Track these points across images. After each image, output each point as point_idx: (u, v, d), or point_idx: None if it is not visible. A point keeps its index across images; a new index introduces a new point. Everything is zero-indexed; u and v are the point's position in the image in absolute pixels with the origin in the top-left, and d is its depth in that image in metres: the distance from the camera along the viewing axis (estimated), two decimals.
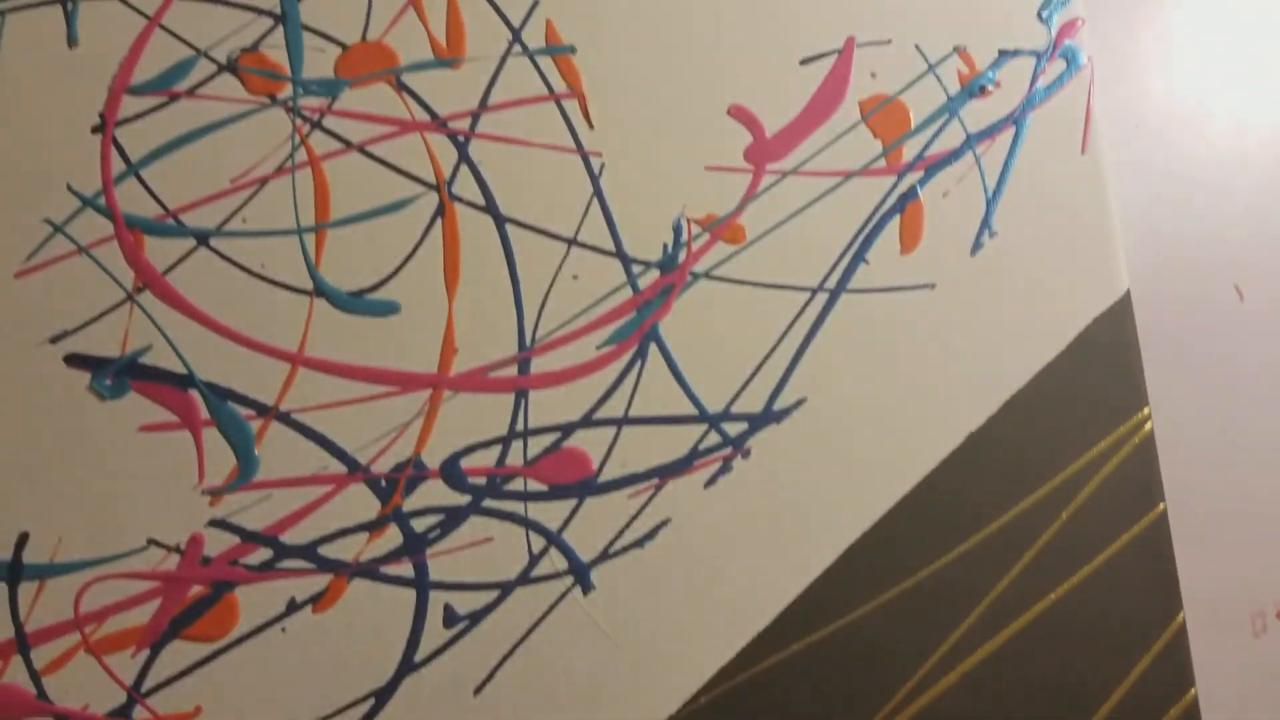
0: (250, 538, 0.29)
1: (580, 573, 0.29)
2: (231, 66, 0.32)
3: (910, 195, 0.32)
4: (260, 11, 0.33)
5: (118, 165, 0.31)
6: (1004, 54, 0.33)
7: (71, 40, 0.32)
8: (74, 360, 0.30)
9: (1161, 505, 0.30)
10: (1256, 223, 0.33)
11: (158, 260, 0.31)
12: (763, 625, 0.29)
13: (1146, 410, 0.31)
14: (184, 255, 0.31)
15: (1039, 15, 0.34)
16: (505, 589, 0.29)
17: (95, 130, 0.31)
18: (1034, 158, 0.32)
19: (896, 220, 0.32)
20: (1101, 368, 0.31)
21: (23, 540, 0.28)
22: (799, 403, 0.30)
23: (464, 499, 0.29)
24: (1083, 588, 0.30)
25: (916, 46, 0.33)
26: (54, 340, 0.30)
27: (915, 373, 0.30)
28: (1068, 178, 0.32)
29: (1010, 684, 0.29)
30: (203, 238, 0.31)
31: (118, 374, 0.29)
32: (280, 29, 0.33)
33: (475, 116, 0.32)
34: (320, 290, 0.30)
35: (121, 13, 0.32)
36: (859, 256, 0.31)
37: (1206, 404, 0.32)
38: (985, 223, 0.32)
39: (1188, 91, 0.35)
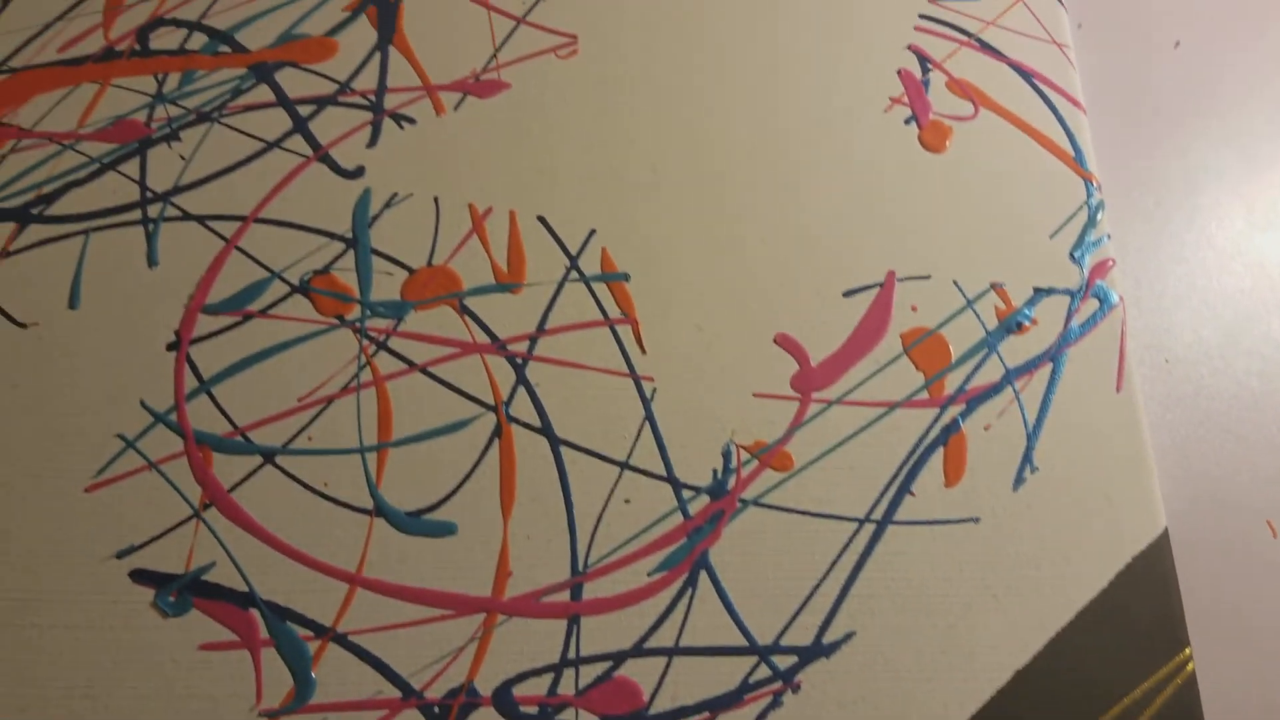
0: None
1: None
2: (304, 288, 0.35)
3: (953, 428, 0.34)
4: (333, 236, 0.35)
5: (190, 382, 0.33)
6: (1039, 292, 0.36)
7: (151, 261, 0.35)
8: (139, 576, 0.31)
9: (1188, 653, 0.31)
10: None
11: (224, 477, 0.32)
12: None
13: (1188, 651, 0.32)
14: (250, 472, 0.33)
15: (1071, 255, 0.37)
16: None
17: (170, 347, 0.34)
18: (1071, 394, 0.35)
19: (940, 452, 0.34)
20: (1142, 606, 0.32)
21: None
22: (848, 636, 0.32)
23: None
24: None
25: (955, 282, 0.36)
26: (120, 555, 0.31)
27: (961, 607, 0.32)
28: (1104, 415, 0.34)
29: None
30: (269, 455, 0.33)
31: (181, 591, 0.31)
32: (351, 253, 0.35)
33: (533, 340, 0.35)
34: (380, 510, 0.32)
35: (202, 236, 0.35)
36: (904, 488, 0.33)
37: (1245, 644, 0.33)
38: (1026, 458, 0.34)
39: (1214, 327, 0.38)
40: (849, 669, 0.31)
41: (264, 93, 0.37)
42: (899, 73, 0.39)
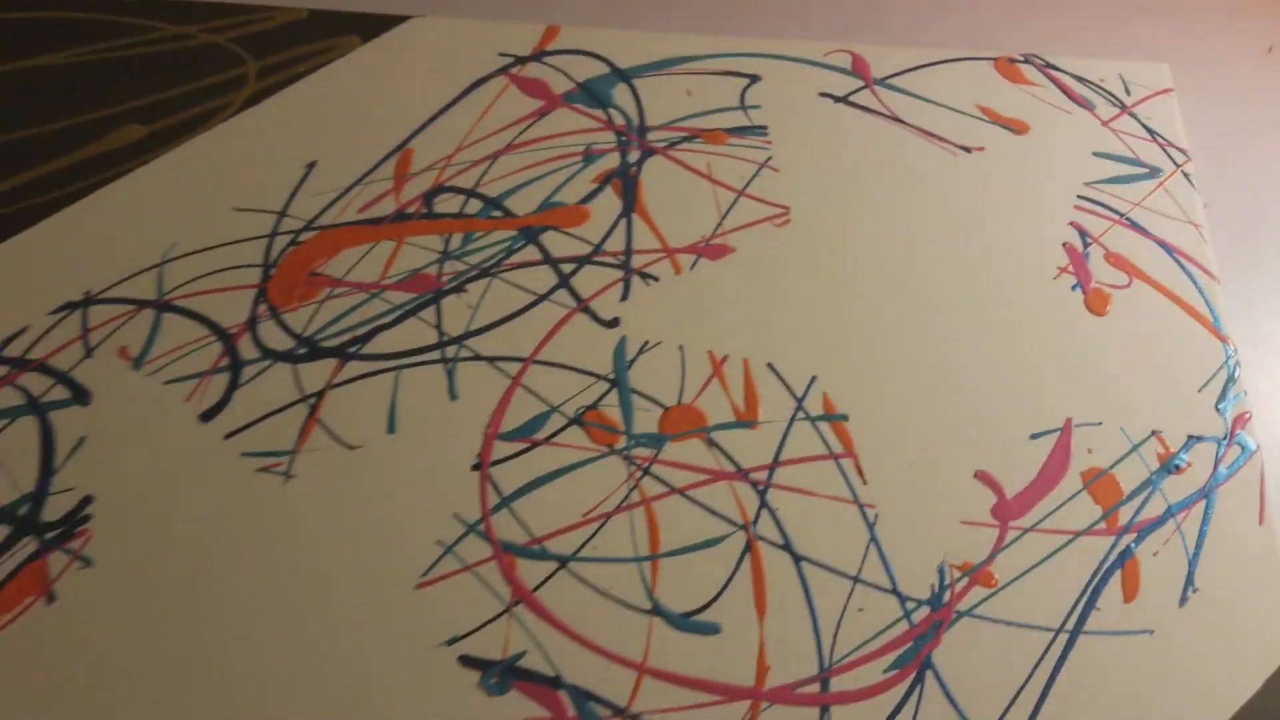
0: None
1: None
2: (578, 420, 0.45)
3: (1127, 554, 0.44)
4: (598, 376, 0.46)
5: (492, 498, 0.44)
6: (1192, 438, 0.47)
7: (452, 395, 0.45)
8: (467, 661, 0.41)
9: None
10: None
11: (528, 578, 0.42)
12: None
13: None
14: (548, 576, 0.43)
15: (1216, 408, 0.47)
16: None
17: (474, 468, 0.44)
18: (1223, 526, 0.45)
19: (1118, 574, 0.44)
20: None
21: None
22: None
23: None
24: None
25: (1121, 429, 0.47)
26: (449, 643, 0.41)
27: (1141, 709, 0.42)
28: (1250, 543, 0.45)
29: None
30: (563, 561, 0.43)
31: (501, 674, 0.41)
32: (614, 391, 0.46)
33: (771, 470, 0.45)
34: (657, 610, 0.42)
35: (491, 374, 0.45)
36: (1090, 604, 0.43)
37: None
38: (1189, 580, 0.44)
39: None
40: None
41: (531, 252, 0.48)
42: (1064, 245, 0.50)
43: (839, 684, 0.40)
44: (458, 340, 0.45)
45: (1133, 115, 0.52)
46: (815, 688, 0.40)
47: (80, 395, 0.42)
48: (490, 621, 0.40)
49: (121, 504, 0.41)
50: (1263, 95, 0.54)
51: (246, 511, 0.41)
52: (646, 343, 0.45)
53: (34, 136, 0.46)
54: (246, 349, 0.43)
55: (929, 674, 0.41)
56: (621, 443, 0.43)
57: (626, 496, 0.42)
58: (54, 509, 0.41)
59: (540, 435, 0.43)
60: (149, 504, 0.41)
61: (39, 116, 0.47)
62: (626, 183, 0.48)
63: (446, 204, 0.47)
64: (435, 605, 0.40)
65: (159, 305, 0.44)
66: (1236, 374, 0.46)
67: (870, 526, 0.43)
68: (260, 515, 0.41)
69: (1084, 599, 0.42)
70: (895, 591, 0.42)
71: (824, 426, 0.44)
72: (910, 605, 0.42)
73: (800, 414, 0.44)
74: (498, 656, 0.40)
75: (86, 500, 0.41)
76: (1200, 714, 0.41)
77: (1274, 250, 0.51)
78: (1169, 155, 0.51)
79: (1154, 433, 0.45)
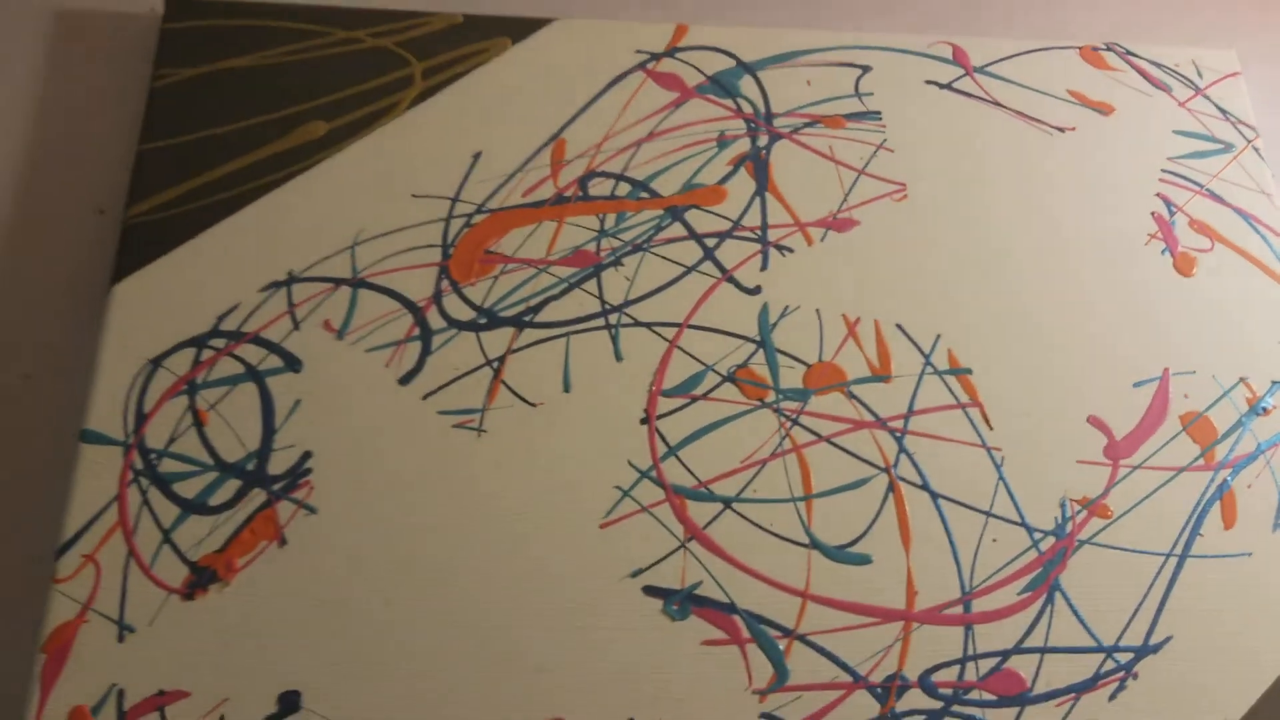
0: None
1: None
2: (731, 378, 0.50)
3: (1225, 486, 0.49)
4: (745, 338, 0.50)
5: (660, 447, 0.48)
6: (1275, 383, 0.51)
7: (618, 356, 0.50)
8: (650, 590, 0.46)
9: None
10: None
11: (697, 518, 0.47)
12: None
13: None
14: (715, 515, 0.47)
15: None
16: None
17: (642, 422, 0.49)
18: None
19: (1218, 505, 0.49)
20: None
21: None
22: (1168, 639, 0.46)
23: (938, 704, 0.45)
24: None
25: (1213, 376, 0.51)
26: (633, 575, 0.46)
27: (1247, 625, 0.46)
28: None
29: None
30: (728, 503, 0.47)
31: (681, 602, 0.45)
32: (760, 351, 0.50)
33: (906, 418, 0.49)
34: (814, 544, 0.47)
35: (650, 337, 0.50)
36: (1195, 531, 0.48)
37: None
38: None
39: None
40: (1173, 662, 0.45)
41: (678, 229, 0.52)
42: (1153, 214, 0.54)
43: (979, 605, 0.45)
44: (618, 309, 0.49)
45: (1206, 96, 0.56)
46: (959, 609, 0.45)
47: (292, 363, 0.47)
48: (668, 556, 0.45)
49: (337, 458, 0.45)
50: None
51: (446, 463, 0.45)
52: (786, 308, 0.50)
53: (229, 132, 0.51)
54: (434, 320, 0.48)
55: (1057, 595, 0.45)
56: (771, 397, 0.48)
57: (779, 444, 0.47)
58: (278, 464, 0.45)
59: (698, 391, 0.48)
60: (361, 457, 0.45)
61: (234, 111, 0.51)
62: (758, 165, 0.53)
63: (599, 187, 0.52)
64: (618, 542, 0.45)
65: (354, 283, 0.48)
66: None
67: (998, 467, 0.47)
68: (458, 466, 0.45)
69: (1189, 527, 0.47)
70: (1023, 524, 0.46)
71: (950, 380, 0.49)
72: (1037, 536, 0.46)
73: (929, 369, 0.49)
74: (677, 586, 0.44)
75: (306, 455, 0.45)
76: None
77: None
78: (1240, 132, 0.56)
79: (1241, 379, 0.49)
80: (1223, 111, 0.56)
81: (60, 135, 0.52)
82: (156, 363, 0.46)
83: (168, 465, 0.44)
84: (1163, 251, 0.52)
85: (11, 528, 0.44)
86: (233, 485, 0.44)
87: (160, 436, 0.44)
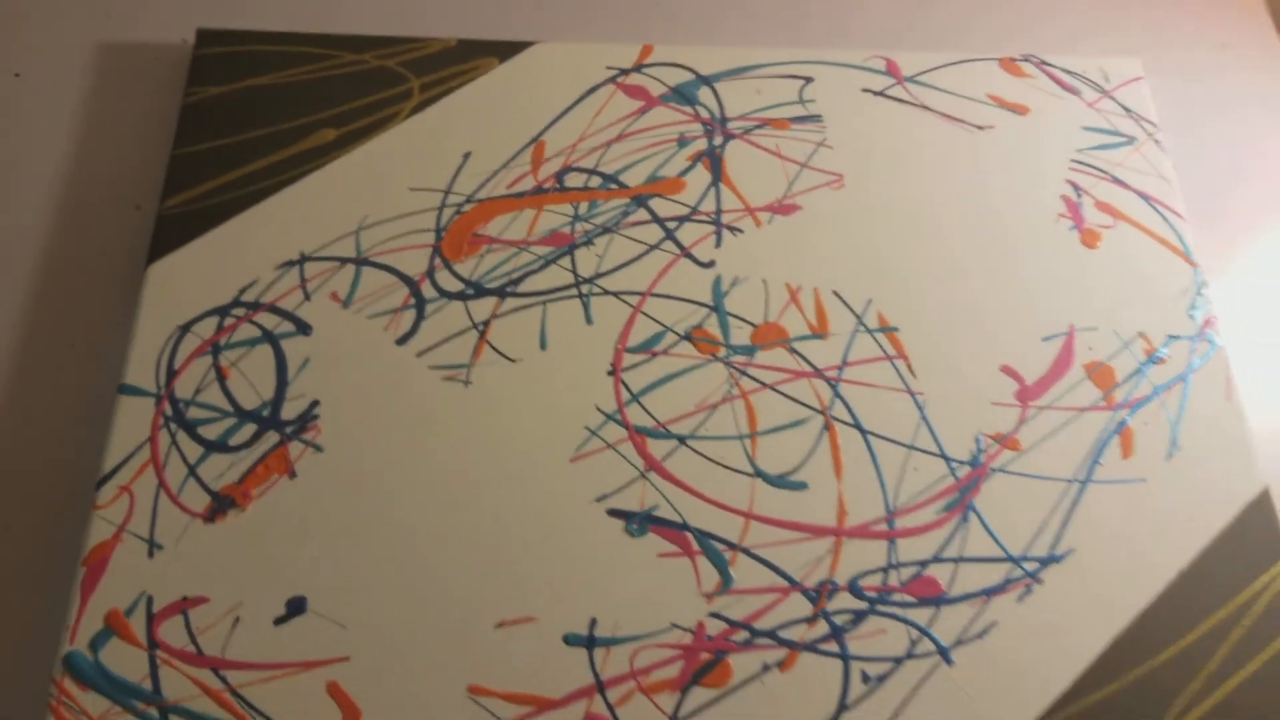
0: (734, 625, 0.50)
1: (944, 652, 0.50)
2: (687, 337, 0.56)
3: (1123, 424, 0.55)
4: (700, 304, 0.57)
5: (625, 394, 0.55)
6: (1170, 338, 0.58)
7: (588, 320, 0.57)
8: (614, 512, 0.52)
9: None
10: None
11: (656, 453, 0.54)
12: (1061, 689, 0.50)
13: None
14: (671, 450, 0.54)
15: (1189, 314, 0.58)
16: (898, 662, 0.50)
17: (609, 374, 0.55)
18: (1198, 402, 0.56)
19: (1117, 439, 0.55)
20: (1255, 526, 0.53)
21: (594, 622, 0.50)
22: (1070, 551, 0.52)
23: (864, 605, 0.51)
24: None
25: (1115, 331, 0.58)
26: (598, 500, 0.52)
27: (1141, 537, 0.52)
28: (1221, 414, 0.55)
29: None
30: (682, 440, 0.54)
31: (640, 522, 0.52)
32: (714, 315, 0.57)
33: (840, 369, 0.56)
34: (757, 473, 0.53)
35: (617, 305, 0.57)
36: (1096, 461, 0.54)
37: None
38: (1173, 441, 0.55)
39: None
40: (1074, 569, 0.51)
41: (643, 214, 0.60)
42: (1063, 197, 0.61)
43: (902, 523, 0.51)
44: (589, 280, 0.56)
45: (1112, 98, 0.63)
46: (884, 526, 0.51)
47: (303, 328, 0.54)
48: (629, 484, 0.51)
49: (341, 406, 0.52)
50: (1218, 82, 0.66)
51: (437, 409, 0.52)
52: (736, 278, 0.57)
53: (251, 139, 0.59)
54: (428, 291, 0.55)
55: (972, 514, 0.51)
56: (722, 352, 0.55)
57: (729, 391, 0.54)
58: (290, 410, 0.52)
59: (658, 348, 0.55)
60: (362, 405, 0.52)
61: (254, 122, 0.59)
62: (713, 160, 0.60)
63: (574, 180, 0.59)
64: (586, 474, 0.51)
65: (358, 261, 0.56)
66: (1204, 289, 0.57)
67: (920, 409, 0.54)
68: (448, 412, 0.52)
69: (1091, 457, 0.53)
70: (942, 455, 0.53)
71: (880, 337, 0.55)
72: (955, 465, 0.52)
73: (861, 328, 0.56)
74: (637, 509, 0.51)
75: (314, 404, 0.52)
76: (1183, 540, 0.51)
77: (1229, 194, 0.63)
78: (1142, 127, 0.63)
79: (1140, 334, 0.56)
80: (1127, 110, 0.63)
81: (104, 145, 0.60)
82: (185, 328, 0.53)
83: (194, 412, 0.51)
84: (1070, 228, 0.59)
85: (60, 466, 0.51)
86: (250, 429, 0.51)
87: (188, 389, 0.51)
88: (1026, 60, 0.64)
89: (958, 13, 0.67)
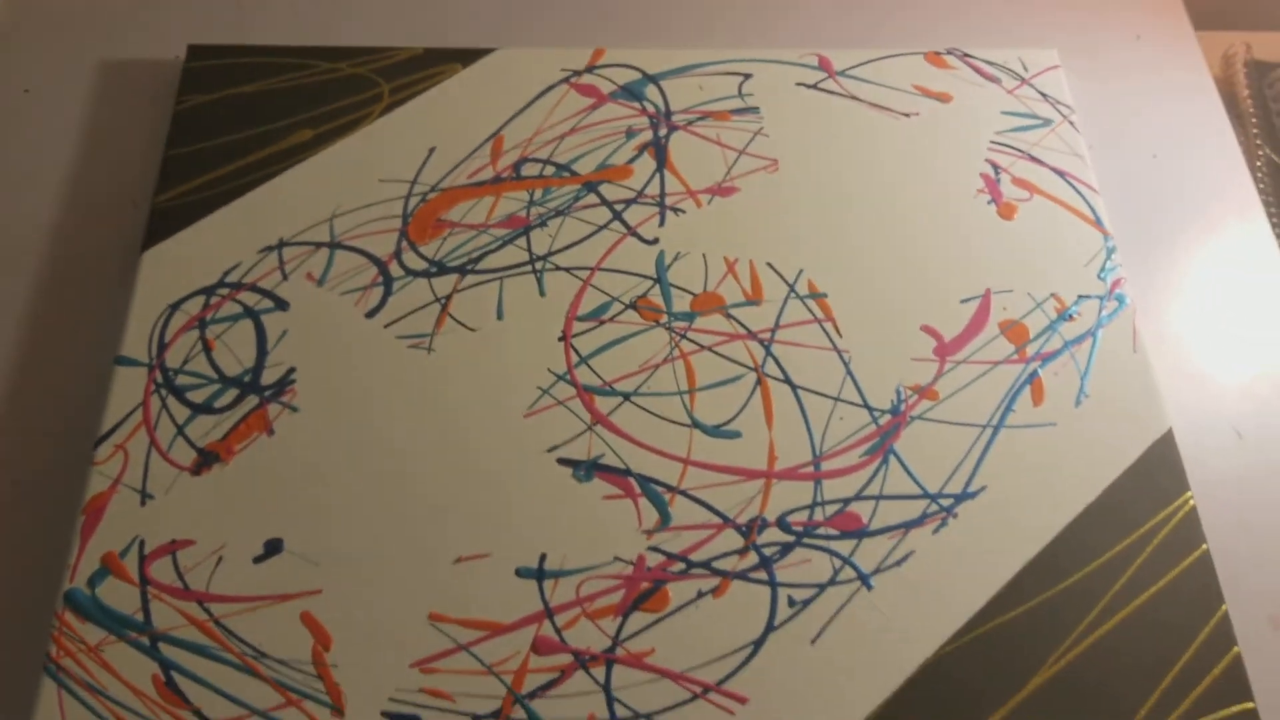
0: (671, 557, 0.55)
1: (864, 579, 0.55)
2: (632, 305, 0.62)
3: (1034, 374, 0.60)
4: (644, 277, 0.62)
5: (574, 357, 0.60)
6: (1081, 297, 0.62)
7: (541, 293, 0.62)
8: (562, 461, 0.57)
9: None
10: (1252, 370, 0.61)
11: (602, 408, 0.59)
12: (973, 611, 0.54)
13: (1189, 494, 0.57)
14: (616, 406, 0.59)
15: (1098, 276, 0.63)
16: (821, 588, 0.54)
17: (559, 340, 0.61)
18: (1106, 353, 0.60)
19: (1029, 389, 0.59)
20: (1159, 467, 0.58)
21: (543, 557, 0.55)
22: (983, 488, 0.57)
23: (791, 538, 0.55)
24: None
25: (1029, 293, 0.63)
26: (549, 450, 0.57)
27: (1051, 475, 0.57)
28: (1127, 364, 0.60)
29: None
30: (626, 396, 0.59)
31: (587, 468, 0.57)
32: (657, 286, 0.62)
33: (773, 331, 0.61)
34: (695, 424, 0.58)
35: (569, 279, 0.62)
36: (1008, 408, 0.59)
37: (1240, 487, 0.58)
38: (1082, 389, 0.59)
39: (1186, 312, 0.64)
40: (985, 505, 0.56)
41: (592, 199, 0.65)
42: (982, 174, 0.67)
43: (828, 465, 0.56)
44: (543, 258, 0.62)
45: (1030, 85, 0.69)
46: (811, 469, 0.56)
47: (281, 304, 0.59)
48: (577, 436, 0.56)
49: (316, 372, 0.57)
50: (1132, 70, 0.71)
51: (402, 373, 0.57)
52: (679, 253, 0.62)
53: (236, 139, 0.65)
54: (395, 270, 0.61)
55: (892, 457, 0.56)
56: (664, 319, 0.60)
57: (670, 353, 0.59)
58: (269, 377, 0.57)
59: (606, 316, 0.60)
60: (335, 371, 0.57)
61: (239, 125, 0.65)
62: (658, 149, 0.66)
63: (530, 170, 0.65)
64: (538, 428, 0.56)
65: (331, 245, 0.61)
66: (1113, 254, 0.62)
67: (846, 365, 0.59)
68: (412, 375, 0.57)
69: (1003, 405, 0.57)
70: (865, 405, 0.57)
71: (810, 302, 0.60)
72: (877, 414, 0.57)
73: (792, 295, 0.61)
74: (584, 458, 0.56)
75: (291, 370, 0.57)
76: (1091, 477, 0.56)
77: (1135, 171, 0.68)
78: (1058, 110, 0.68)
79: (1053, 294, 0.61)
80: (1044, 95, 0.68)
81: (104, 151, 0.66)
82: (175, 306, 0.58)
83: (182, 379, 0.56)
84: (989, 202, 0.64)
85: (63, 428, 0.56)
86: (232, 393, 0.56)
87: (177, 359, 0.57)
88: (950, 53, 0.69)
89: (887, 11, 0.73)
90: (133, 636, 0.49)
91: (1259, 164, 0.70)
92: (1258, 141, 0.71)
